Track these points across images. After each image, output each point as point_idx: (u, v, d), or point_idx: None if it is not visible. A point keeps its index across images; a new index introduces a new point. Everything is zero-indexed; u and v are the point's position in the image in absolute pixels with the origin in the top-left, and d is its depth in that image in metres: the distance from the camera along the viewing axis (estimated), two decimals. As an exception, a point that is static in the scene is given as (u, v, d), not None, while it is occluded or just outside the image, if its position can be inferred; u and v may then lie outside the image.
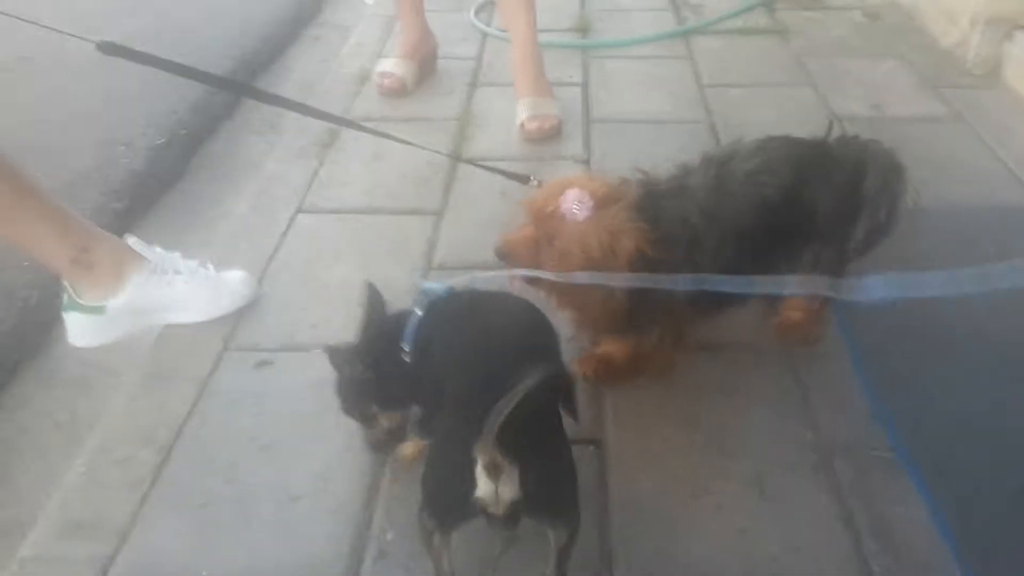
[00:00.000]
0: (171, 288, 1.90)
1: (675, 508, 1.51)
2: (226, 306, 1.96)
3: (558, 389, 1.36)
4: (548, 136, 2.69)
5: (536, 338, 1.43)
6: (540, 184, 1.83)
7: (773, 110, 2.82)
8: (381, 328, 1.49)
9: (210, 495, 1.53)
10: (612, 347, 1.75)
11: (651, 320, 1.60)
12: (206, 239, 2.31)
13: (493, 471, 1.09)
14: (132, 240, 1.91)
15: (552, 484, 1.20)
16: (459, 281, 1.53)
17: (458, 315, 1.48)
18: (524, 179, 1.96)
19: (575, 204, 1.46)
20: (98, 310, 1.85)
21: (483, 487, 1.11)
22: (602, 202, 1.48)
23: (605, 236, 1.45)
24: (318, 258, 2.17)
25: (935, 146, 2.61)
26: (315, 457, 1.60)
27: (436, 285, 1.52)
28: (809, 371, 1.78)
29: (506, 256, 1.57)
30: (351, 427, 1.59)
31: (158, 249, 1.93)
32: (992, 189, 2.40)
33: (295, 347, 1.86)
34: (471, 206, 2.37)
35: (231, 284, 1.98)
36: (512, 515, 1.14)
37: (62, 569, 1.43)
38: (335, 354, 1.47)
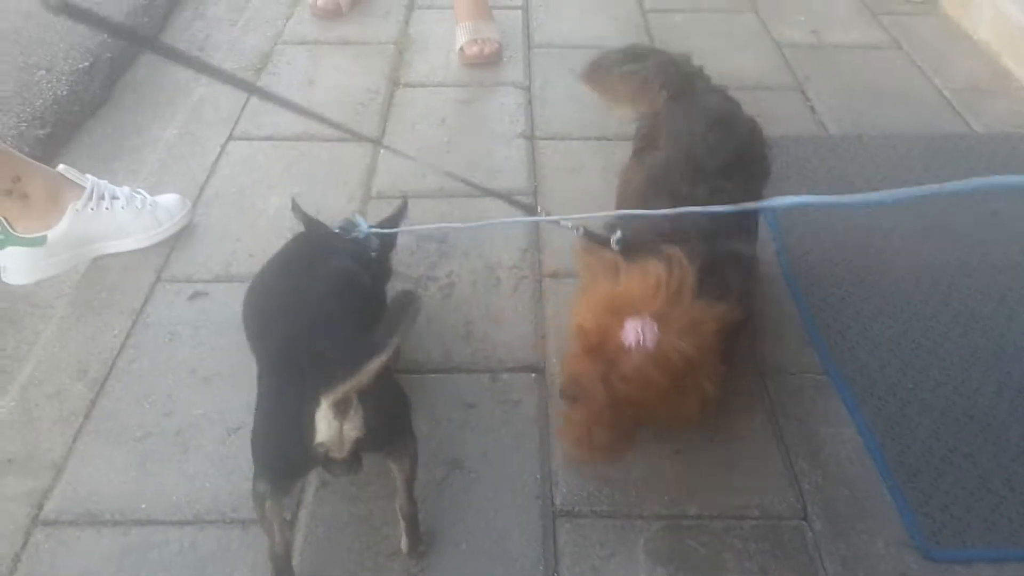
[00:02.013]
0: (110, 215, 1.83)
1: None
2: (165, 230, 1.91)
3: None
4: (488, 62, 2.64)
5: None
6: (548, 214, 1.60)
7: (715, 36, 2.81)
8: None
9: (147, 428, 1.51)
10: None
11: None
12: (133, 167, 2.24)
13: (341, 411, 1.08)
14: (63, 168, 1.83)
15: (390, 417, 1.21)
16: None
17: (291, 257, 1.48)
18: (531, 209, 1.72)
19: (640, 336, 1.23)
20: (38, 241, 1.78)
21: (325, 431, 1.09)
22: (663, 312, 1.25)
23: (684, 348, 1.24)
24: (252, 187, 2.11)
25: (873, 74, 2.63)
26: (254, 388, 1.58)
27: (362, 223, 1.52)
28: (746, 297, 1.80)
29: (574, 397, 1.33)
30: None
31: (91, 177, 1.86)
32: (927, 117, 2.43)
33: (231, 277, 1.82)
34: (410, 132, 2.33)
35: (168, 208, 1.93)
36: (354, 456, 1.14)
37: (-5, 505, 1.40)
38: None
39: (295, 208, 1.57)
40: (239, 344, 1.64)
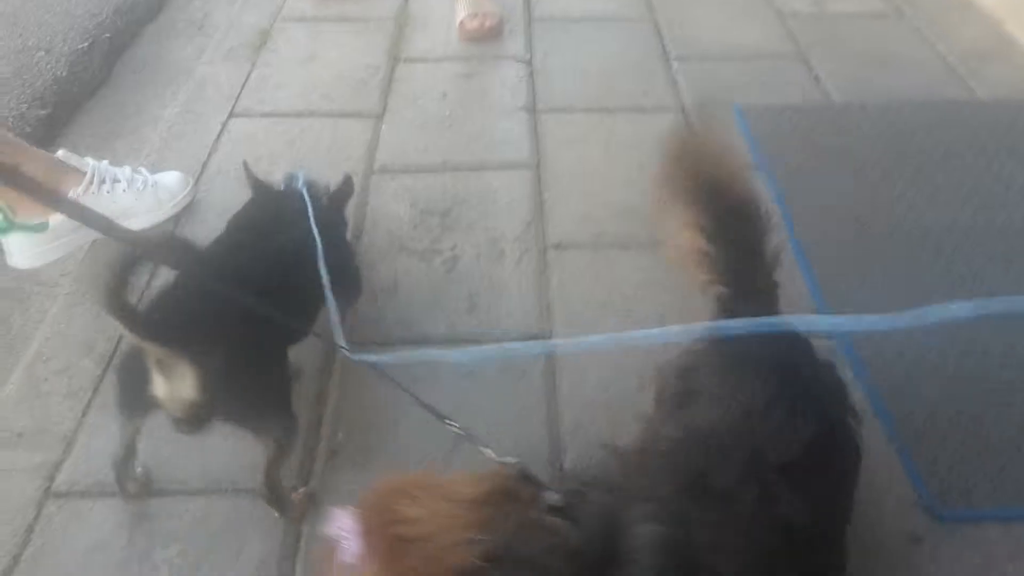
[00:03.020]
0: (111, 198, 1.83)
1: (621, 401, 1.53)
2: (167, 211, 1.92)
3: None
4: (489, 36, 2.62)
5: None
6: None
7: (717, 6, 2.79)
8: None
9: (155, 402, 1.52)
10: None
11: None
12: (135, 146, 2.24)
13: (160, 367, 1.07)
14: (62, 153, 1.83)
15: (249, 391, 1.18)
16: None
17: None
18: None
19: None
20: (40, 227, 1.77)
21: (157, 384, 1.08)
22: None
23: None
24: (254, 164, 2.06)
25: (875, 42, 2.61)
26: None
27: (302, 176, 1.53)
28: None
29: None
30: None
31: (90, 160, 1.85)
32: (930, 84, 2.41)
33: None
34: (411, 107, 2.32)
35: (169, 187, 1.93)
36: (195, 417, 1.12)
37: (9, 478, 1.41)
38: None
39: (246, 170, 1.58)
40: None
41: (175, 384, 1.08)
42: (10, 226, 1.77)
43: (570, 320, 1.68)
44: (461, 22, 2.62)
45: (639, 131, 2.22)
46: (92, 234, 1.84)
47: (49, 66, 2.60)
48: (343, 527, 0.84)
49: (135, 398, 1.14)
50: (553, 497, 0.91)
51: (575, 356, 1.61)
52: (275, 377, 1.25)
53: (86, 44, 2.73)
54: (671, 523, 0.84)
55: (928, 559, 1.29)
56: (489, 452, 1.04)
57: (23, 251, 1.80)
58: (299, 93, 2.38)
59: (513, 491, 0.91)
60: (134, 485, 1.34)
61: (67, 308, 1.72)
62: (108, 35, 2.80)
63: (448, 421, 1.14)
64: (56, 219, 1.77)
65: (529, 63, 2.52)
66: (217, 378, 1.09)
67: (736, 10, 2.76)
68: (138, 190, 1.87)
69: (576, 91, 2.39)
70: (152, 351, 1.07)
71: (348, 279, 1.57)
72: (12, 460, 1.43)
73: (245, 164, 1.60)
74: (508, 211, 1.97)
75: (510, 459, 0.99)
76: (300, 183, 1.52)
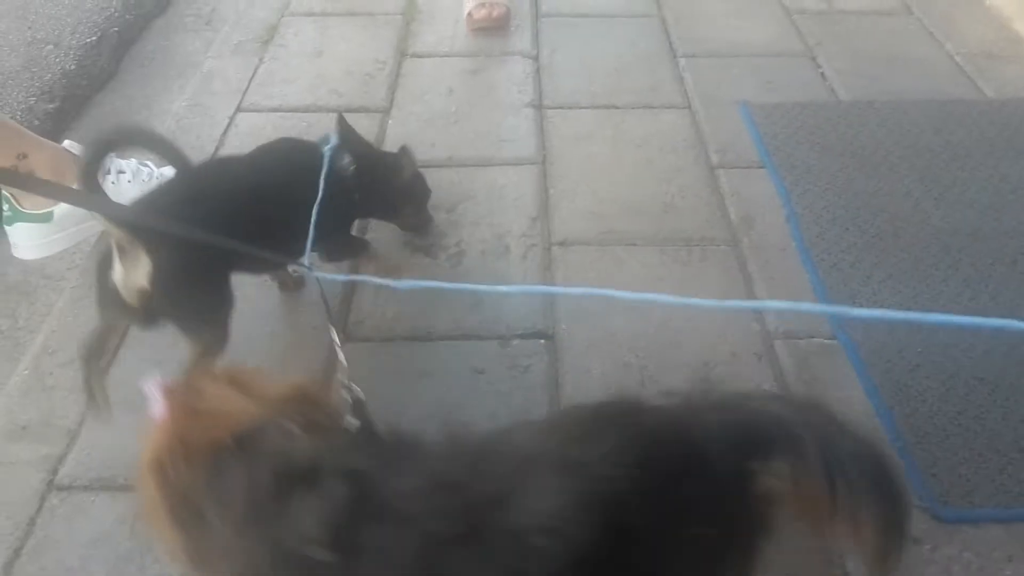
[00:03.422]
0: (116, 189, 1.84)
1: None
2: None
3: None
4: (496, 26, 2.62)
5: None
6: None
7: (724, 3, 2.78)
8: None
9: (160, 395, 1.52)
10: None
11: None
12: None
13: (121, 254, 1.20)
14: (68, 143, 1.84)
15: (190, 295, 1.29)
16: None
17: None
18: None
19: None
20: (45, 217, 1.78)
21: (117, 271, 1.22)
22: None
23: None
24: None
25: (883, 40, 2.60)
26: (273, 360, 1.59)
27: (333, 140, 1.56)
28: (756, 265, 1.80)
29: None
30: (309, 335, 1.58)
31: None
32: (939, 83, 2.40)
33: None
34: (418, 102, 2.32)
35: None
36: (144, 308, 1.24)
37: (12, 471, 1.42)
38: None
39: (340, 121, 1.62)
40: (255, 311, 1.66)
41: (130, 271, 1.21)
42: (15, 215, 1.78)
43: (574, 317, 1.68)
44: (469, 12, 2.62)
45: (646, 128, 2.22)
46: (98, 226, 1.85)
47: (58, 60, 2.61)
48: (155, 390, 0.97)
49: (105, 290, 1.27)
50: (351, 423, 1.03)
51: (578, 353, 1.61)
52: (215, 290, 1.36)
53: (94, 38, 2.74)
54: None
55: (928, 560, 1.28)
56: (342, 361, 1.17)
57: (28, 241, 1.81)
58: (307, 87, 2.38)
59: (314, 404, 0.99)
60: (100, 390, 1.37)
61: (73, 302, 1.73)
62: (116, 29, 2.81)
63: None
64: (61, 209, 1.78)
65: (536, 59, 2.52)
66: (165, 273, 1.22)
67: (744, 7, 2.76)
68: (143, 182, 1.88)
69: (583, 87, 2.38)
70: (116, 234, 1.20)
71: (337, 241, 1.63)
72: (16, 453, 1.44)
73: (340, 116, 1.64)
74: (514, 207, 1.97)
75: (356, 388, 1.09)
76: (329, 145, 1.55)
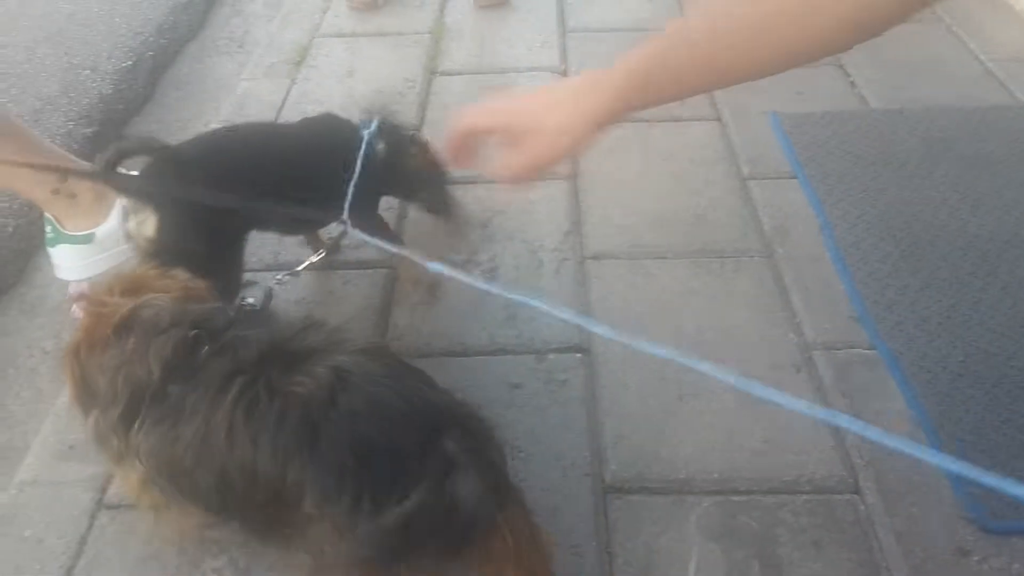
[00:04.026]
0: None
1: (662, 410, 1.54)
2: None
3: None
4: (499, 2, 2.73)
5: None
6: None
7: (750, 15, 2.78)
8: None
9: (203, 414, 1.54)
10: None
11: None
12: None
13: (134, 211, 1.38)
14: None
15: (190, 245, 1.40)
16: None
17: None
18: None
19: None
20: (87, 239, 1.82)
21: (132, 222, 1.39)
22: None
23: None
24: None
25: (912, 47, 2.59)
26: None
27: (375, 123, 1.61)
28: (791, 275, 1.79)
29: None
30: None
31: (136, 174, 1.89)
32: (969, 89, 2.39)
33: (279, 266, 1.85)
34: (448, 120, 2.33)
35: None
36: (152, 252, 1.38)
37: (60, 491, 1.44)
38: None
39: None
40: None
41: (140, 225, 1.38)
42: (58, 237, 1.82)
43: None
44: None
45: (676, 140, 2.22)
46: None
47: (95, 84, 2.66)
48: (80, 296, 1.21)
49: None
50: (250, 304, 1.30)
51: (615, 367, 1.62)
52: (217, 243, 1.46)
53: (130, 63, 2.79)
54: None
55: (976, 572, 1.27)
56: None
57: (71, 263, 1.84)
58: (339, 107, 2.38)
59: (193, 293, 1.20)
60: None
61: (116, 322, 1.76)
62: (151, 53, 2.86)
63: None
64: (102, 230, 1.82)
65: (564, 74, 2.54)
66: (168, 228, 1.37)
67: (771, 17, 2.75)
68: None
69: (612, 101, 2.39)
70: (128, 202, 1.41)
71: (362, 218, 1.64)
72: (65, 472, 1.47)
73: (383, 105, 1.69)
74: (546, 222, 1.98)
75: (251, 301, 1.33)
76: (369, 129, 1.60)
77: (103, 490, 1.43)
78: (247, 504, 1.05)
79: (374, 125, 1.60)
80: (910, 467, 1.41)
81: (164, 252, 1.38)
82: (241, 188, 1.37)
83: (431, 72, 2.57)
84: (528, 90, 1.10)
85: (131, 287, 1.16)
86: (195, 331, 1.08)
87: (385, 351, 1.15)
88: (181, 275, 1.23)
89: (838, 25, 0.82)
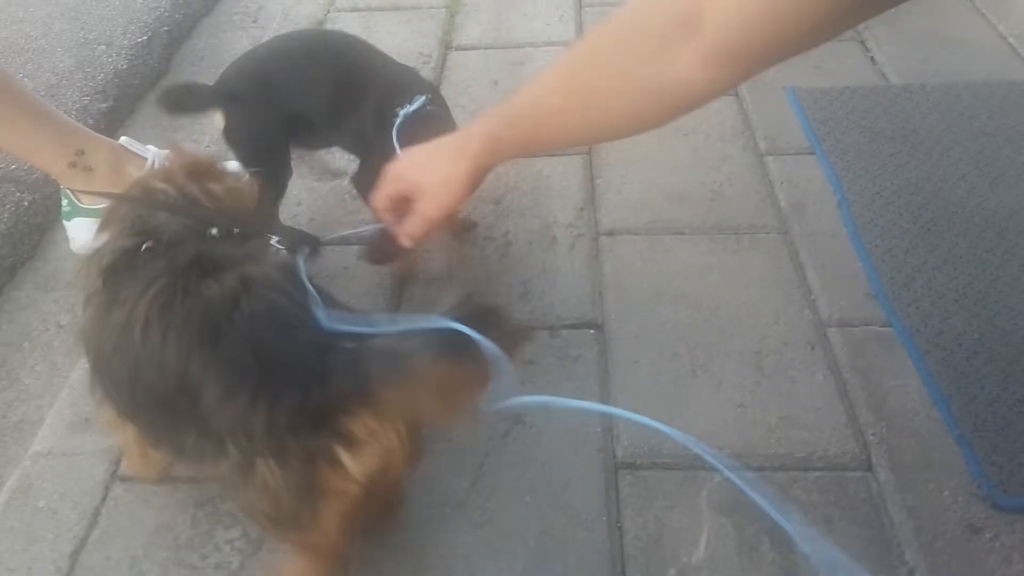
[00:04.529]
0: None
1: (675, 387, 1.53)
2: None
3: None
4: None
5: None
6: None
7: None
8: None
9: (217, 387, 1.55)
10: None
11: None
12: (194, 136, 2.28)
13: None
14: (125, 140, 1.87)
15: (247, 143, 1.70)
16: None
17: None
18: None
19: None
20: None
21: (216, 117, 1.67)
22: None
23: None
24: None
25: (933, 22, 2.55)
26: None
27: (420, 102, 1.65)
28: (806, 251, 1.78)
29: None
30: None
31: (152, 147, 1.90)
32: (992, 65, 2.35)
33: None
34: (463, 95, 2.33)
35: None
36: (224, 139, 1.69)
37: (74, 462, 1.45)
38: None
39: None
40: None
41: (218, 120, 1.67)
42: (74, 210, 1.83)
43: (623, 307, 1.68)
44: None
45: (692, 115, 2.15)
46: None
47: (110, 59, 2.66)
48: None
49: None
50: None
51: (628, 343, 1.61)
52: (266, 146, 1.71)
53: (145, 38, 2.79)
54: None
55: (988, 549, 1.27)
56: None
57: (86, 237, 1.84)
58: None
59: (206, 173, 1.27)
60: None
61: (131, 296, 1.77)
62: (166, 28, 2.86)
63: None
64: None
65: (580, 49, 2.51)
66: (234, 123, 1.67)
67: None
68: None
69: (628, 76, 2.37)
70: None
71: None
72: (80, 444, 1.48)
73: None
74: (561, 197, 1.97)
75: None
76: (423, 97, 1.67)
77: (117, 462, 1.44)
78: (152, 399, 1.08)
79: (425, 99, 1.66)
80: (923, 445, 1.41)
81: (229, 143, 1.69)
82: (293, 93, 1.67)
83: (446, 47, 2.56)
84: (421, 147, 1.27)
85: (196, 172, 1.25)
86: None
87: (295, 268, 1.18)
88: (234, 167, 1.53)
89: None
